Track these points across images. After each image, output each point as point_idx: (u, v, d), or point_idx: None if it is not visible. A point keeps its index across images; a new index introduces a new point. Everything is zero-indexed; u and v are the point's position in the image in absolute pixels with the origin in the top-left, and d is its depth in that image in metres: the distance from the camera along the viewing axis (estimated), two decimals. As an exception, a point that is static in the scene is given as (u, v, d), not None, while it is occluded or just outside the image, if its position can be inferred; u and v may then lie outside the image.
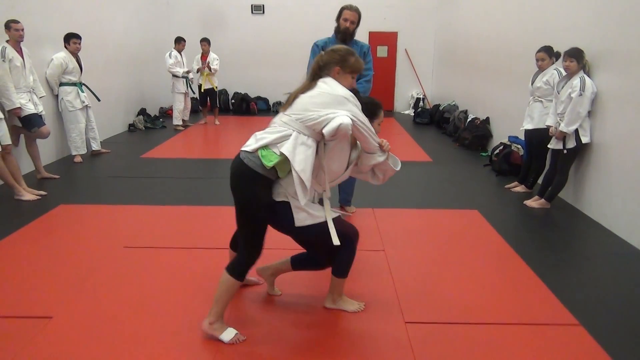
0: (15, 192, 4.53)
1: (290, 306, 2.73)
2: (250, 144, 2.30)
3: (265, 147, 2.25)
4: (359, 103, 2.33)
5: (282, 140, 2.25)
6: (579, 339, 2.46)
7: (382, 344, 2.39)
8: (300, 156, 2.23)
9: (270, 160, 2.23)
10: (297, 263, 2.68)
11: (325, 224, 2.35)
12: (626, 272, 3.30)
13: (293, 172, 2.23)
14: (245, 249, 2.37)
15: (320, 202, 2.46)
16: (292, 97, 2.36)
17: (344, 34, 3.92)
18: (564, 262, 3.45)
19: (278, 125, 2.32)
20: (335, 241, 2.34)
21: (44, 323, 2.50)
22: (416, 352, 2.32)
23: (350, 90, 2.36)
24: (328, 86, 2.32)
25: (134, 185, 5.16)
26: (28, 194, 4.57)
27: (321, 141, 2.33)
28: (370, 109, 2.45)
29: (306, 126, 2.25)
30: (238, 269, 2.36)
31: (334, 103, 2.25)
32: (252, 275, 2.86)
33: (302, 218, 2.32)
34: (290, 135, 2.25)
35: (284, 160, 2.24)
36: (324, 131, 2.21)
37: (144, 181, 5.34)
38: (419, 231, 3.91)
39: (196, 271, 3.11)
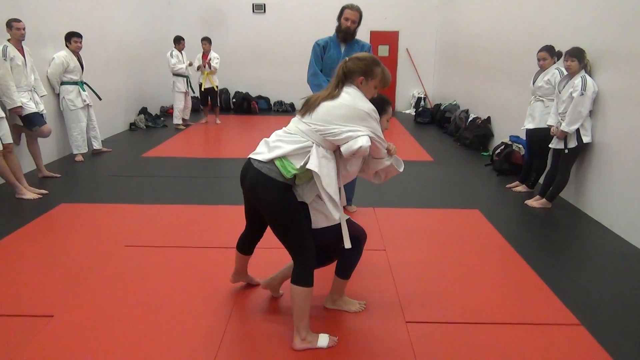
0: (16, 191, 4.53)
1: (289, 307, 2.71)
2: (263, 152, 2.23)
3: (281, 157, 2.20)
4: (378, 116, 2.28)
5: (300, 152, 2.18)
6: (579, 338, 2.46)
7: (382, 343, 2.39)
8: (324, 170, 2.18)
9: (289, 172, 2.18)
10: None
11: (338, 226, 2.34)
12: (627, 272, 3.30)
13: (320, 189, 2.19)
14: (299, 254, 2.28)
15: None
16: (313, 103, 2.25)
17: (345, 33, 3.92)
18: (565, 262, 3.45)
19: (295, 133, 2.24)
20: (348, 244, 2.34)
21: (45, 322, 2.51)
22: (417, 352, 2.32)
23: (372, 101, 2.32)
24: (351, 98, 2.23)
25: (135, 184, 5.16)
26: (29, 193, 4.57)
27: (337, 151, 2.29)
28: (379, 105, 2.38)
29: (325, 139, 2.20)
30: (302, 276, 2.27)
31: (355, 118, 2.19)
32: (254, 276, 2.87)
33: (319, 220, 2.32)
34: (310, 147, 2.19)
35: (303, 173, 2.21)
36: (343, 150, 2.19)
37: (145, 180, 5.34)
38: (420, 231, 3.91)
39: (197, 270, 3.11)
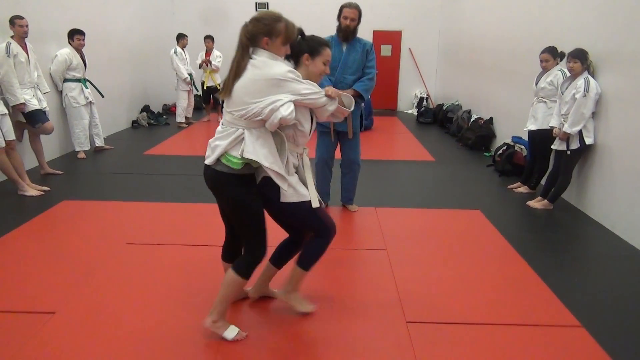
0: (19, 188, 4.54)
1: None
2: (209, 155, 2.23)
3: (223, 154, 2.19)
4: (297, 74, 2.18)
5: (236, 142, 2.16)
6: (580, 340, 2.46)
7: (383, 343, 2.40)
8: (263, 150, 2.15)
9: (236, 163, 2.17)
10: (278, 260, 2.62)
11: (309, 204, 2.31)
12: (629, 274, 3.29)
13: (265, 169, 2.18)
14: (251, 248, 2.32)
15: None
16: (227, 88, 2.17)
17: (345, 32, 3.91)
18: (566, 263, 3.44)
19: (226, 126, 2.21)
20: (315, 203, 2.31)
21: (47, 318, 2.52)
22: (417, 352, 2.32)
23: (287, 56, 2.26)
24: (259, 70, 2.12)
25: (137, 182, 5.17)
26: (31, 190, 4.58)
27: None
28: (313, 46, 2.31)
29: (252, 121, 2.14)
30: (245, 267, 2.31)
31: (270, 88, 2.10)
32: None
33: (288, 195, 2.26)
34: (242, 134, 2.15)
35: (244, 159, 2.17)
36: (267, 126, 2.14)
37: (147, 178, 5.35)
38: (421, 231, 3.91)
39: (198, 268, 3.12)
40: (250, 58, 2.18)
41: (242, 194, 2.22)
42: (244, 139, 2.15)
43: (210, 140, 2.27)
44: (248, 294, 2.73)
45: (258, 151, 2.14)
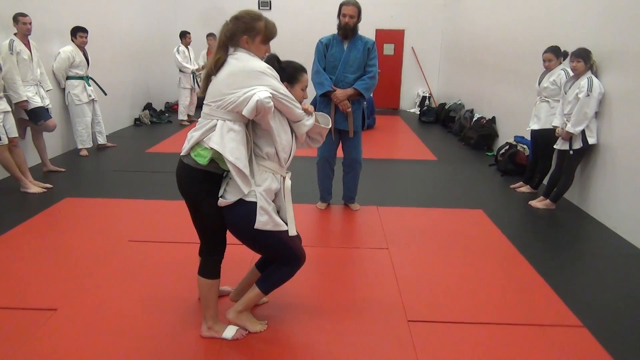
0: (21, 185, 4.55)
1: (291, 306, 2.73)
2: (185, 146, 2.20)
3: (194, 146, 2.15)
4: (276, 74, 2.17)
5: (209, 133, 2.12)
6: (582, 340, 2.46)
7: (384, 342, 2.39)
8: (231, 144, 2.08)
9: (203, 157, 2.11)
10: (263, 266, 2.52)
11: (284, 233, 2.23)
12: (631, 274, 3.28)
13: (227, 163, 2.08)
14: (209, 248, 2.31)
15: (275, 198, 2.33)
16: (205, 81, 2.18)
17: (345, 29, 3.91)
18: (568, 263, 3.44)
19: (203, 118, 2.18)
20: (292, 231, 2.25)
21: (49, 315, 2.52)
22: (418, 351, 2.32)
23: (268, 58, 2.23)
24: (239, 62, 2.12)
25: (139, 180, 5.17)
26: (34, 187, 4.59)
27: (249, 123, 2.20)
28: (290, 73, 2.30)
29: (228, 111, 2.10)
30: (207, 269, 2.33)
31: (249, 79, 2.08)
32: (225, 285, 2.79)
33: (263, 221, 2.15)
34: (215, 125, 2.11)
35: (218, 154, 2.11)
36: (244, 112, 2.04)
37: (149, 175, 5.35)
38: (422, 230, 3.90)
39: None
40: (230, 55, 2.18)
41: (202, 190, 2.18)
42: (212, 130, 2.12)
43: (188, 133, 2.24)
44: (229, 296, 2.69)
45: (225, 144, 2.08)
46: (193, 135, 2.17)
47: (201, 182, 2.18)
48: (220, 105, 2.11)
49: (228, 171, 2.16)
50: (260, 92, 2.04)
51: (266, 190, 2.19)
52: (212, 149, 2.10)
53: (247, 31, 2.16)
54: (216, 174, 2.19)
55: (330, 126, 2.44)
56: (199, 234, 2.32)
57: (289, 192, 2.32)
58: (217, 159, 2.14)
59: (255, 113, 2.06)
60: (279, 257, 2.32)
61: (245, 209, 2.15)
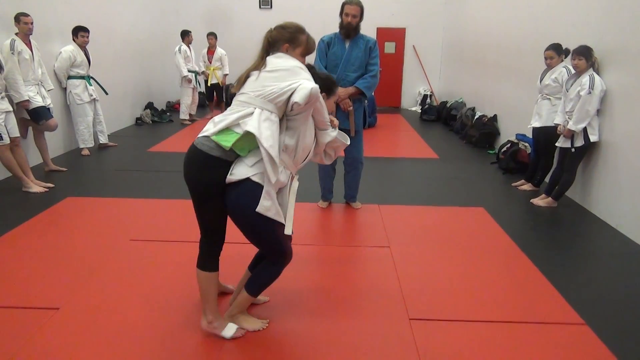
0: (23, 184, 4.56)
1: (292, 304, 2.73)
2: (208, 129, 2.17)
3: (223, 129, 2.14)
4: (311, 77, 2.24)
5: (244, 119, 2.12)
6: (584, 338, 2.46)
7: (386, 340, 2.39)
8: (267, 132, 2.09)
9: (228, 141, 2.10)
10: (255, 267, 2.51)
11: (279, 227, 2.21)
12: (633, 272, 3.28)
13: (261, 149, 2.08)
14: (207, 238, 2.29)
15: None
16: (244, 76, 2.24)
17: (347, 29, 3.90)
18: (570, 261, 3.43)
19: (237, 106, 2.19)
20: (288, 230, 2.24)
21: (51, 314, 2.53)
22: (420, 349, 2.32)
23: (306, 66, 2.30)
24: (280, 60, 2.23)
25: (141, 179, 5.18)
26: (36, 186, 4.60)
27: (283, 118, 2.21)
28: (329, 85, 2.37)
29: (268, 101, 2.12)
30: (203, 261, 2.31)
31: (289, 75, 2.16)
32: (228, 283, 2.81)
33: (266, 206, 2.12)
34: (252, 112, 2.12)
35: (245, 139, 2.11)
36: (297, 99, 2.07)
37: (150, 175, 5.36)
38: (424, 228, 3.90)
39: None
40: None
41: (212, 179, 2.14)
42: (249, 116, 2.12)
43: (214, 118, 2.23)
44: (230, 298, 2.65)
45: (261, 130, 2.08)
46: (223, 119, 2.16)
47: (213, 168, 2.14)
48: (260, 94, 2.14)
49: (238, 156, 2.17)
50: (309, 83, 2.11)
51: (277, 180, 2.18)
52: (239, 134, 2.10)
53: (290, 41, 2.29)
54: (229, 162, 2.16)
55: (348, 143, 2.51)
56: (200, 224, 2.28)
57: (294, 194, 2.32)
58: (238, 146, 2.13)
59: (307, 100, 2.09)
60: (268, 250, 2.30)
61: (251, 189, 2.12)
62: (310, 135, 2.30)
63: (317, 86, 2.12)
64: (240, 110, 2.15)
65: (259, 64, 2.24)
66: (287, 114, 2.20)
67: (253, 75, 2.21)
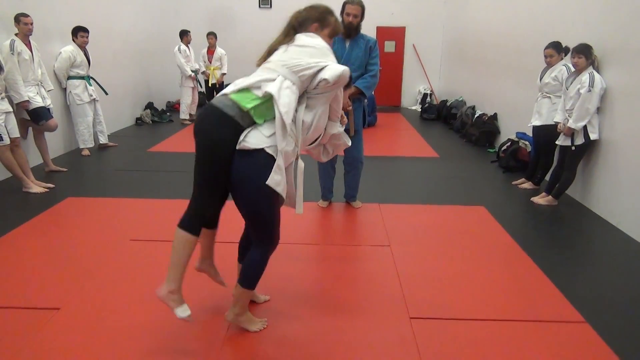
0: (23, 185, 4.56)
1: (292, 303, 2.73)
2: (227, 89, 2.16)
3: (243, 89, 2.11)
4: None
5: (264, 82, 2.10)
6: (585, 336, 2.45)
7: (386, 339, 2.39)
8: (285, 99, 2.07)
9: (247, 102, 2.07)
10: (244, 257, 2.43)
11: (278, 205, 2.20)
12: (633, 270, 3.28)
13: (276, 112, 2.06)
14: (202, 200, 2.19)
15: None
16: (271, 49, 2.25)
17: (348, 28, 3.89)
18: (570, 259, 3.43)
19: (260, 71, 2.17)
20: (299, 209, 2.24)
21: (52, 314, 2.53)
22: (421, 348, 2.32)
23: None
24: (310, 39, 2.23)
25: (141, 179, 5.18)
26: (36, 187, 4.60)
27: (303, 95, 2.20)
28: (319, 17, 2.37)
29: (293, 72, 2.11)
30: (193, 220, 2.20)
31: (318, 54, 2.17)
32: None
33: (277, 180, 2.08)
34: (275, 78, 2.10)
35: (264, 105, 2.09)
36: (327, 76, 2.09)
37: (150, 175, 5.36)
38: (424, 227, 3.90)
39: (202, 265, 3.12)
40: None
41: (222, 138, 2.07)
42: (272, 81, 2.10)
43: (235, 80, 2.20)
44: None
45: (280, 95, 2.07)
46: (245, 80, 2.15)
47: (224, 127, 2.07)
48: (286, 64, 2.13)
49: (254, 124, 2.12)
50: (340, 65, 2.13)
51: (286, 153, 2.14)
52: (259, 98, 2.09)
53: (319, 20, 2.31)
54: (241, 126, 2.09)
55: (349, 144, 2.54)
56: (196, 181, 2.18)
57: (301, 174, 2.28)
58: (256, 111, 2.09)
59: (336, 80, 2.11)
60: (261, 230, 2.23)
61: (263, 160, 2.07)
62: (325, 118, 2.30)
63: (348, 69, 2.14)
64: (262, 75, 2.14)
65: (286, 39, 2.24)
66: (308, 91, 2.19)
67: (281, 49, 2.22)
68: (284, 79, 2.11)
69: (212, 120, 2.10)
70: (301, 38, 2.24)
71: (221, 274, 2.59)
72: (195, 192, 2.21)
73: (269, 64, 2.19)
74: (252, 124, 2.12)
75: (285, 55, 2.17)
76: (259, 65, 2.26)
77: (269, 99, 2.09)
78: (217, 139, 2.08)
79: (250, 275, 2.29)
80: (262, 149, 2.07)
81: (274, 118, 2.09)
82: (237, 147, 2.07)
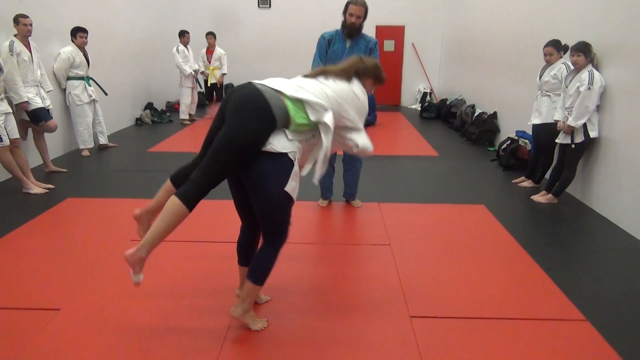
0: (23, 186, 4.56)
1: (293, 302, 2.73)
2: (283, 87, 2.17)
3: (298, 99, 2.17)
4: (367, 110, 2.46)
5: (318, 108, 2.19)
6: (585, 334, 2.45)
7: (387, 338, 2.39)
8: (330, 135, 2.23)
9: (298, 118, 2.15)
10: (247, 259, 2.48)
11: (290, 208, 2.27)
12: (634, 268, 3.28)
13: (324, 143, 2.21)
14: (203, 170, 2.10)
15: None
16: (327, 71, 2.38)
17: (350, 29, 3.88)
18: (570, 257, 3.43)
19: (318, 87, 2.26)
20: (317, 179, 2.30)
21: (52, 315, 2.53)
22: (421, 346, 2.32)
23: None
24: (362, 94, 2.38)
25: (141, 179, 5.18)
26: (36, 188, 4.60)
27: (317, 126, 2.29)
28: (377, 74, 2.55)
29: (340, 113, 2.26)
30: (187, 191, 2.10)
31: (360, 113, 2.36)
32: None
33: (293, 186, 2.17)
34: (328, 109, 2.22)
35: (308, 125, 2.20)
36: (360, 144, 2.32)
37: (151, 175, 5.36)
38: (424, 226, 3.90)
39: (202, 264, 3.13)
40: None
41: (253, 127, 2.06)
42: (326, 112, 2.21)
43: (297, 79, 2.33)
44: (236, 292, 2.64)
45: (329, 131, 2.22)
46: (304, 89, 2.22)
47: (266, 125, 2.10)
48: (339, 103, 2.26)
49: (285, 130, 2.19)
50: (366, 141, 2.37)
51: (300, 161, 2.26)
52: (309, 120, 2.18)
53: (375, 78, 2.54)
54: (273, 130, 2.12)
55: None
56: (211, 160, 2.09)
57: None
58: (296, 128, 2.17)
59: (361, 151, 2.37)
60: (273, 228, 2.26)
61: (285, 164, 2.14)
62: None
63: (372, 148, 2.39)
64: (319, 98, 2.21)
65: (344, 77, 2.37)
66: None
67: (339, 81, 2.34)
68: (332, 113, 2.24)
69: (256, 111, 2.09)
70: (356, 87, 2.37)
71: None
72: (205, 168, 2.10)
73: (326, 88, 2.28)
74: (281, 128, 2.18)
75: (342, 92, 2.30)
76: (309, 76, 2.37)
77: (315, 125, 2.22)
78: (253, 131, 2.08)
79: (260, 271, 2.30)
80: (286, 154, 2.14)
81: (301, 130, 2.21)
82: (263, 149, 2.11)
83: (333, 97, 2.25)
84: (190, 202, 2.09)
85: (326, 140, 2.21)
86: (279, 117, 2.12)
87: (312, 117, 2.18)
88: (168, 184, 2.33)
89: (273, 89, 2.16)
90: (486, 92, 7.77)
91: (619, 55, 4.07)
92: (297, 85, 2.23)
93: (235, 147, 2.08)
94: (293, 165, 2.15)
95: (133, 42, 8.45)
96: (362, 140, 2.34)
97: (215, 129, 2.18)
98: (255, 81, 2.21)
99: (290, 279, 2.89)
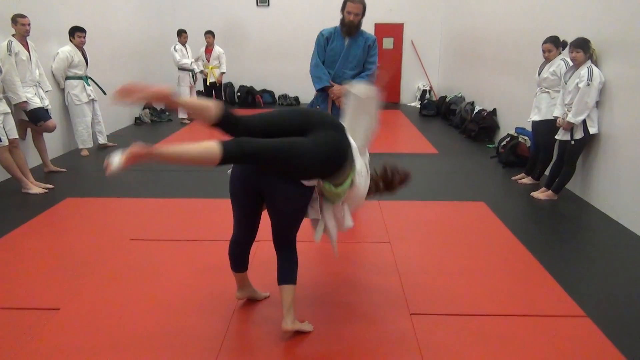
0: (22, 186, 4.56)
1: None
2: (356, 137, 2.54)
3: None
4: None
5: (359, 170, 2.40)
6: (585, 330, 2.45)
7: (387, 335, 2.39)
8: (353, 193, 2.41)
9: (341, 186, 2.29)
10: (243, 265, 2.53)
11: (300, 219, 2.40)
12: (634, 264, 3.27)
13: (350, 202, 2.46)
14: (260, 148, 2.03)
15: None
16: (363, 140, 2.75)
17: (349, 27, 3.87)
18: (571, 254, 3.43)
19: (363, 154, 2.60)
20: (318, 237, 2.45)
21: (52, 314, 2.53)
22: (421, 344, 2.32)
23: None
24: (364, 186, 2.54)
25: (140, 179, 5.17)
26: (35, 188, 4.60)
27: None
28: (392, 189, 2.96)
29: (357, 178, 2.39)
30: (231, 153, 2.04)
31: (357, 198, 2.50)
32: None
33: (313, 212, 2.38)
34: (361, 173, 2.45)
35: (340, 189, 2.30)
36: (348, 225, 2.52)
37: (150, 174, 5.35)
38: (424, 223, 3.90)
39: (202, 263, 3.12)
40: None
41: (314, 170, 2.15)
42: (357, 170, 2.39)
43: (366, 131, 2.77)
44: (235, 295, 2.64)
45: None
46: (364, 165, 2.60)
47: (339, 163, 2.22)
48: (360, 174, 2.45)
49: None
50: (350, 223, 2.55)
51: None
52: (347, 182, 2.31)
53: (385, 188, 2.95)
54: (330, 174, 2.23)
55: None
56: (288, 140, 2.09)
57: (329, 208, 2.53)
58: (338, 189, 2.29)
59: (343, 229, 2.54)
60: (289, 235, 2.39)
61: (305, 193, 2.25)
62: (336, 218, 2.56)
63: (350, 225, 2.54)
64: (363, 165, 2.56)
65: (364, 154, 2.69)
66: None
67: (366, 156, 2.76)
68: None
69: (342, 158, 2.22)
70: (363, 179, 2.54)
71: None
72: (274, 144, 2.05)
73: (366, 159, 2.72)
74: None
75: (365, 164, 2.64)
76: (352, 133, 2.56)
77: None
78: (332, 163, 2.18)
79: (292, 271, 2.38)
80: (313, 187, 2.29)
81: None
82: (304, 181, 2.20)
83: (366, 163, 2.58)
84: (226, 159, 2.03)
85: (349, 203, 2.48)
86: (339, 173, 2.24)
87: (349, 180, 2.31)
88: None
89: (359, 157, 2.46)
90: (485, 89, 7.76)
91: (618, 52, 4.06)
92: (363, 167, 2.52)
93: (320, 153, 2.11)
94: (311, 194, 2.30)
95: (131, 42, 8.44)
96: (349, 222, 2.52)
97: (289, 124, 2.17)
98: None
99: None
